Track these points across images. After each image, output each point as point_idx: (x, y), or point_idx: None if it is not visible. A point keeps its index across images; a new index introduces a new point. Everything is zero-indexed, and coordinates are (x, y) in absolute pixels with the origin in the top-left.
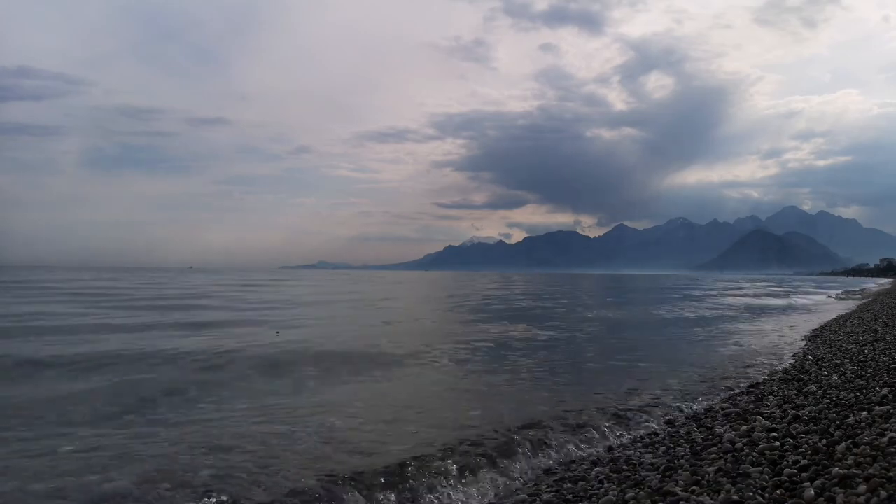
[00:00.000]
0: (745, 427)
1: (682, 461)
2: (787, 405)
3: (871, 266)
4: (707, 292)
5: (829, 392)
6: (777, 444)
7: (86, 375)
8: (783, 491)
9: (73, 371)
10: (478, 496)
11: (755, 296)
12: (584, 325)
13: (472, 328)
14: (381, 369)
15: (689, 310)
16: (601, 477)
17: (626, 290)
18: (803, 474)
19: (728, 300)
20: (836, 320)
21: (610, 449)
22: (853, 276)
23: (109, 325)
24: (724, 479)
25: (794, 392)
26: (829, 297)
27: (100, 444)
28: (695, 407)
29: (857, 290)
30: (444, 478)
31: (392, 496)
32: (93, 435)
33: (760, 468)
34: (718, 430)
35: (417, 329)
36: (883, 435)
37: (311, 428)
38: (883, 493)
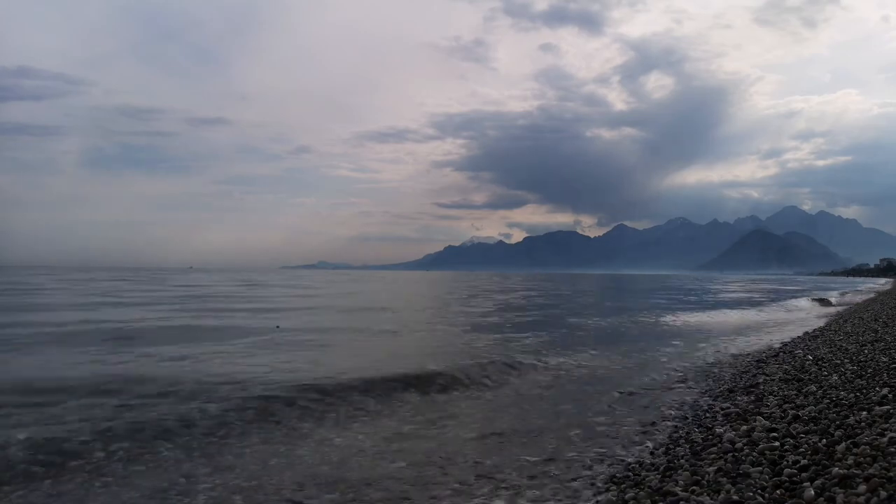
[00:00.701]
0: (745, 427)
1: (682, 461)
2: (787, 405)
3: (871, 266)
4: (725, 294)
5: (829, 392)
6: (777, 444)
7: (94, 396)
8: (783, 491)
9: (89, 391)
10: None
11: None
12: (612, 331)
13: (488, 339)
14: (388, 393)
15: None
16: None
17: (637, 291)
18: (803, 474)
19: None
20: (836, 320)
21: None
22: (853, 276)
23: (120, 330)
24: (724, 479)
25: (794, 392)
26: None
27: (101, 465)
28: None
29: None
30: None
31: None
32: (94, 457)
33: (760, 468)
34: (718, 430)
35: (433, 340)
36: (883, 435)
37: (311, 448)
38: (883, 493)
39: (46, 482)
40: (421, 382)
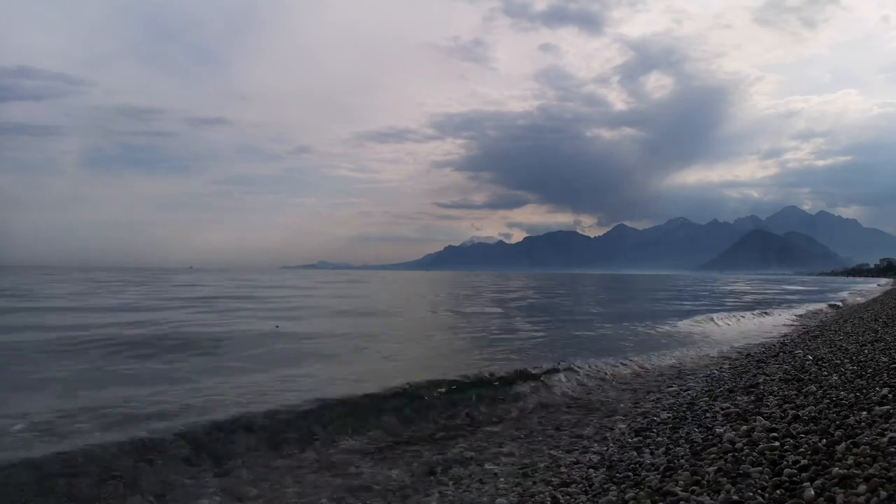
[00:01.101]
0: (745, 427)
1: (682, 461)
2: (787, 405)
3: (871, 266)
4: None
5: (829, 392)
6: (777, 444)
7: (100, 398)
8: (783, 491)
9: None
10: None
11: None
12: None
13: (488, 345)
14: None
15: None
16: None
17: (641, 293)
18: (803, 474)
19: None
20: (836, 320)
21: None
22: (853, 275)
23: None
24: (724, 479)
25: (794, 392)
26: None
27: (111, 464)
28: None
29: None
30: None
31: None
32: (103, 457)
33: (760, 468)
34: (718, 430)
35: (434, 346)
36: (883, 435)
37: (313, 454)
38: (883, 493)
39: (62, 481)
40: (420, 393)
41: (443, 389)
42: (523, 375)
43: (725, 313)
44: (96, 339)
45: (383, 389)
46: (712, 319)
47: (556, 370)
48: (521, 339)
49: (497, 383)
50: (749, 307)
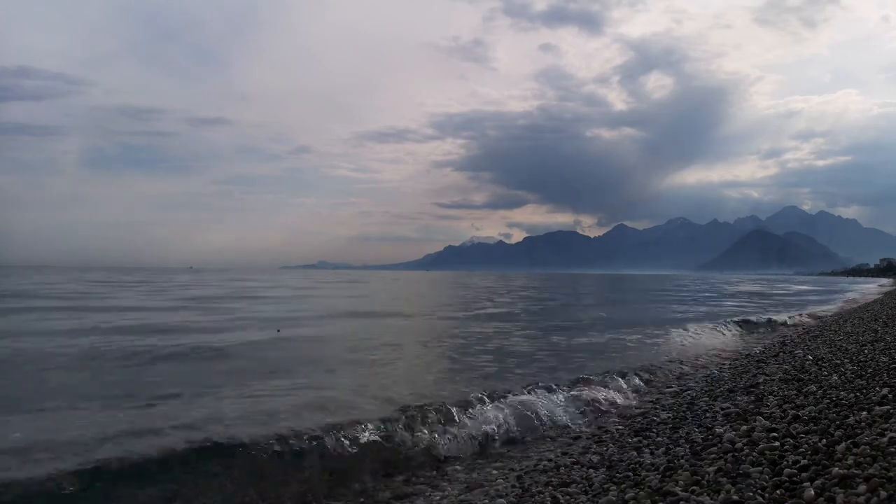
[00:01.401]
0: (745, 427)
1: (682, 461)
2: (787, 405)
3: (871, 266)
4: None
5: (829, 392)
6: (777, 444)
7: (105, 407)
8: (783, 491)
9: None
10: None
11: None
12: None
13: (487, 356)
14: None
15: None
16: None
17: (644, 294)
18: (803, 474)
19: None
20: (836, 320)
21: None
22: (853, 275)
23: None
24: (724, 479)
25: (794, 392)
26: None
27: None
28: None
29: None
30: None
31: None
32: (112, 463)
33: (760, 468)
34: (718, 430)
35: (433, 356)
36: (883, 435)
37: (315, 458)
38: (883, 493)
39: (62, 493)
40: (419, 404)
41: (443, 399)
42: (522, 377)
43: (725, 315)
44: (95, 344)
45: (386, 395)
46: (711, 321)
47: (553, 372)
48: (520, 341)
49: (492, 388)
50: (750, 308)
